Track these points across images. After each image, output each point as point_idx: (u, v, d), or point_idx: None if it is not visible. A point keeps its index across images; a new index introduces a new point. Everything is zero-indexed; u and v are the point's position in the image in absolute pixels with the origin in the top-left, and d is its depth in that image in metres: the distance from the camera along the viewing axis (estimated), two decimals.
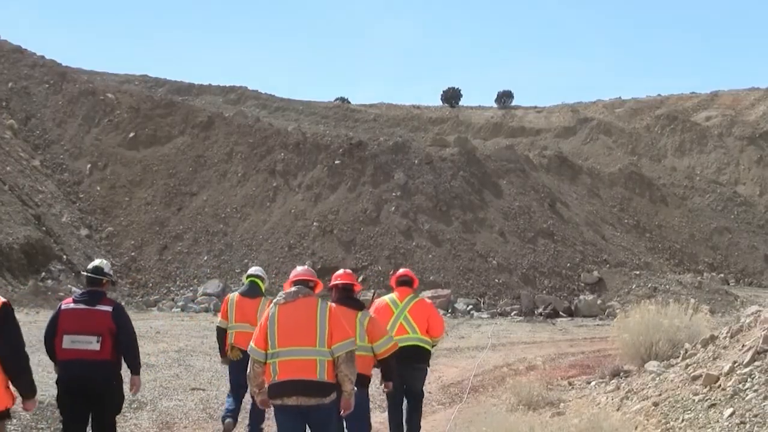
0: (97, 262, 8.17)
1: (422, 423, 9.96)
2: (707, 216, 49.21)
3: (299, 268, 7.29)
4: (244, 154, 39.15)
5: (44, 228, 31.06)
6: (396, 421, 9.47)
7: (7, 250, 28.05)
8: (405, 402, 9.63)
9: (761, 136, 60.91)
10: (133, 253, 33.90)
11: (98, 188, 37.31)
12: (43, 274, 28.73)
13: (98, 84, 45.56)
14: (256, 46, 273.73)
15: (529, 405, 11.48)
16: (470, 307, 31.13)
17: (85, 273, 8.07)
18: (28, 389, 6.23)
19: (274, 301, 6.90)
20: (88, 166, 38.24)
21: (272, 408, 6.78)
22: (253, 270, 10.98)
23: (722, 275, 43.04)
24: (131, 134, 40.01)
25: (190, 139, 40.17)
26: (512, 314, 30.92)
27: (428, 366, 9.79)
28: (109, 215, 36.11)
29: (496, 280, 33.32)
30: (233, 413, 10.11)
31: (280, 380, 6.58)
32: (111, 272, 8.12)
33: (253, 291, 10.49)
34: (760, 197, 55.46)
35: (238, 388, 10.10)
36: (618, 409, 10.02)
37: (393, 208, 35.71)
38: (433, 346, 9.74)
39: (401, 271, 10.13)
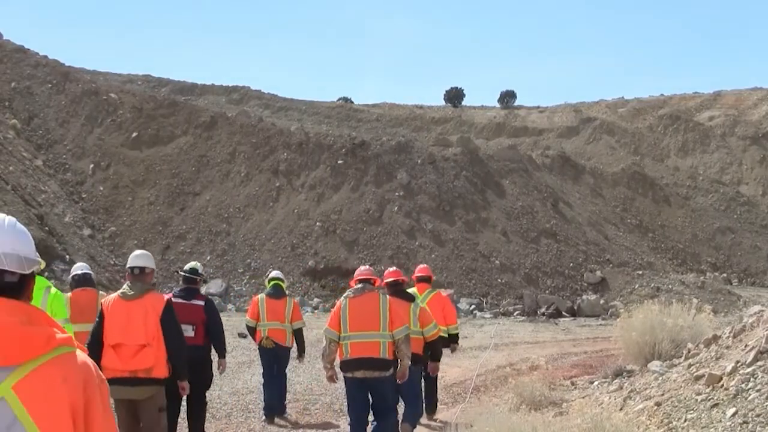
0: (192, 264, 9.91)
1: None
2: (710, 216, 49.16)
3: (362, 268, 8.98)
4: (247, 153, 39.16)
5: (47, 228, 31.07)
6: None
7: None
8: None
9: (764, 136, 60.90)
10: None
11: (101, 188, 37.33)
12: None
13: (101, 84, 45.58)
14: (259, 45, 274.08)
15: (531, 405, 11.48)
16: (473, 306, 31.14)
17: (182, 273, 9.73)
18: (179, 371, 7.69)
19: (345, 295, 8.64)
20: (91, 166, 38.27)
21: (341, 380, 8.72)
22: (275, 273, 12.51)
23: (725, 275, 43.01)
24: (134, 134, 40.03)
25: (193, 139, 40.19)
26: (515, 314, 30.93)
27: (443, 348, 11.29)
28: (111, 215, 36.13)
29: (499, 280, 33.32)
30: (271, 406, 11.77)
31: (351, 357, 8.36)
32: (203, 272, 9.88)
33: (278, 292, 12.05)
34: (763, 197, 55.43)
35: (270, 378, 11.80)
36: (621, 409, 10.02)
37: (396, 208, 35.71)
38: (451, 335, 11.69)
39: (420, 268, 12.02)
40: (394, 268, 10.47)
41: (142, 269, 7.75)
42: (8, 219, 2.69)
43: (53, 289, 8.76)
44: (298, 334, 11.99)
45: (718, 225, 48.16)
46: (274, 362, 11.89)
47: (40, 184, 34.92)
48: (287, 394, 12.34)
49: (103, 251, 32.93)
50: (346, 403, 8.99)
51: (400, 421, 9.46)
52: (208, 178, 38.18)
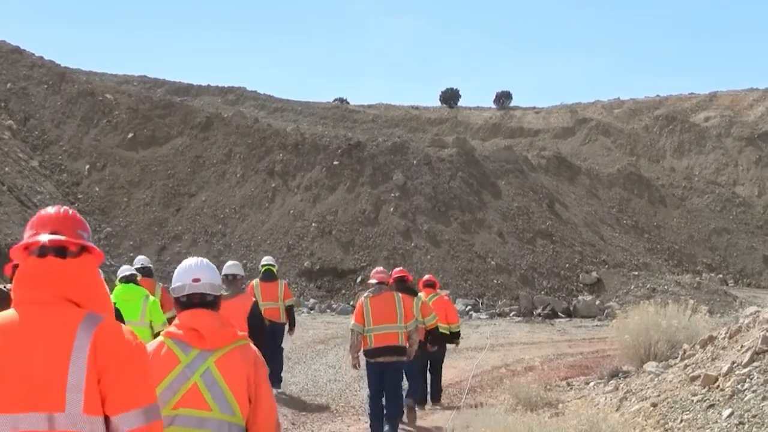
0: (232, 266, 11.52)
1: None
2: (706, 216, 49.21)
3: (378, 269, 10.74)
4: (242, 154, 39.13)
5: None
6: (422, 383, 12.96)
7: (6, 251, 28.01)
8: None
9: (760, 137, 60.90)
10: (131, 254, 33.78)
11: (97, 189, 37.28)
12: None
13: (97, 84, 45.52)
14: (255, 46, 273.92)
15: (527, 406, 11.48)
16: (469, 307, 31.12)
17: (223, 275, 10.62)
18: None
19: (365, 295, 10.43)
20: (87, 166, 38.20)
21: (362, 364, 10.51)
22: (267, 260, 14.45)
23: (721, 276, 43.02)
24: (130, 135, 39.97)
25: (188, 139, 40.14)
26: (511, 315, 30.91)
27: (447, 343, 13.48)
28: (107, 216, 36.09)
29: (495, 281, 33.31)
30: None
31: (375, 346, 10.11)
32: (242, 273, 10.98)
33: (269, 276, 13.81)
34: (759, 198, 55.44)
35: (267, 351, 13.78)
36: (617, 410, 10.03)
37: (391, 209, 35.70)
38: (453, 332, 13.54)
39: (426, 276, 14.24)
40: (401, 267, 12.70)
41: (234, 276, 10.04)
42: (204, 260, 4.39)
43: (151, 297, 9.78)
44: (289, 311, 13.83)
45: (713, 226, 48.20)
46: (270, 337, 13.19)
47: (36, 185, 34.86)
48: (283, 390, 13.52)
49: None
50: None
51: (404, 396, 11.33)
52: (203, 179, 38.15)
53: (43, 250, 2.92)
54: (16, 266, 2.98)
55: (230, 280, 9.82)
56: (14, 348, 2.78)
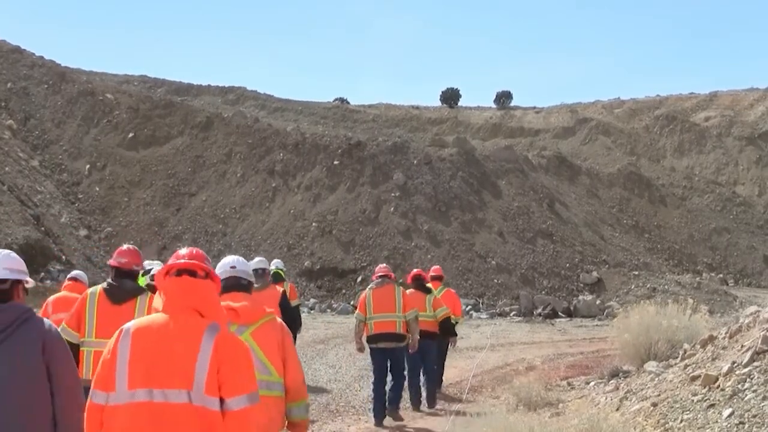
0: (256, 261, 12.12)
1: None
2: (706, 216, 49.17)
3: (381, 266, 11.97)
4: (243, 154, 39.14)
5: (43, 228, 31.03)
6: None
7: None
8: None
9: (760, 137, 60.90)
10: None
11: (97, 189, 37.29)
12: (42, 274, 28.71)
13: (97, 84, 45.53)
14: (255, 46, 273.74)
15: (528, 405, 11.49)
16: (469, 307, 31.09)
17: (252, 270, 11.63)
18: None
19: (369, 286, 11.65)
20: (87, 166, 38.22)
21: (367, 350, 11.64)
22: (276, 264, 15.35)
23: (721, 275, 43.00)
24: (130, 134, 39.98)
25: (189, 139, 40.15)
26: (511, 314, 30.92)
27: (454, 333, 14.28)
28: (108, 216, 36.10)
29: (495, 281, 33.31)
30: None
31: (375, 333, 11.24)
32: (269, 268, 11.88)
33: (277, 279, 14.24)
34: (759, 197, 55.45)
35: None
36: (617, 410, 10.03)
37: (392, 209, 35.70)
38: (456, 323, 14.38)
39: (434, 268, 15.26)
40: (419, 269, 14.36)
41: (263, 270, 11.16)
42: (241, 258, 5.54)
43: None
44: (295, 311, 14.36)
45: (714, 225, 48.16)
46: None
47: (37, 185, 34.88)
48: None
49: (99, 252, 32.88)
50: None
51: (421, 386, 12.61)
52: (204, 179, 38.16)
53: (179, 272, 4.02)
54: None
55: (260, 274, 10.59)
56: (162, 343, 3.83)
